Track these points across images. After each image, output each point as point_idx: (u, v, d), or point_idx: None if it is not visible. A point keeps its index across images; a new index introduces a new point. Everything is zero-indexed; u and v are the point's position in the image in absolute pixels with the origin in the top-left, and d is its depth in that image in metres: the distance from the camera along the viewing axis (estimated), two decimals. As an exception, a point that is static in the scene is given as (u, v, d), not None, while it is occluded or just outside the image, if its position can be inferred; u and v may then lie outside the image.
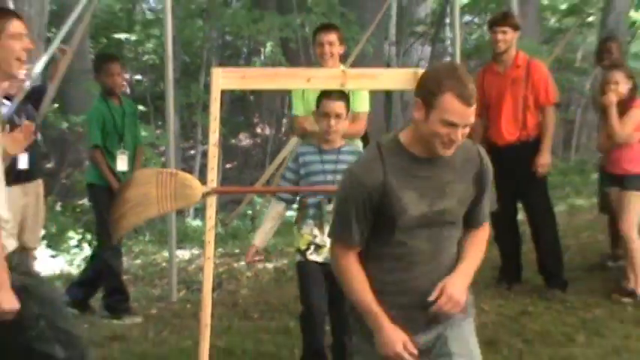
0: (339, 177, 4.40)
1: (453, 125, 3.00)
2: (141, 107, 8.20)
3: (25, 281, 3.48)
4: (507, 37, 6.69)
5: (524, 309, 6.44)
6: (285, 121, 19.96)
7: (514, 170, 6.60)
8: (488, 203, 3.35)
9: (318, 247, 4.84)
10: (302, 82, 4.83)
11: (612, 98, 6.44)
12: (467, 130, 3.06)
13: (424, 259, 3.16)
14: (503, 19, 6.80)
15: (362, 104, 5.76)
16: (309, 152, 4.94)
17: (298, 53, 14.84)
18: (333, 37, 5.96)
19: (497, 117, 6.79)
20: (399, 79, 4.83)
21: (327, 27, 6.18)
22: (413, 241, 3.14)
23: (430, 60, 19.70)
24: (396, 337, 3.10)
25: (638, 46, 24.72)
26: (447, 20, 18.42)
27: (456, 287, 3.12)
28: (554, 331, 5.94)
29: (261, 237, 4.97)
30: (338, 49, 5.98)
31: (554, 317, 6.26)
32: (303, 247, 4.89)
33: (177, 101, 13.81)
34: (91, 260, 7.09)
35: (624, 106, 6.47)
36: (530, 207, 6.99)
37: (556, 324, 6.10)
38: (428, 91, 3.02)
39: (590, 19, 17.51)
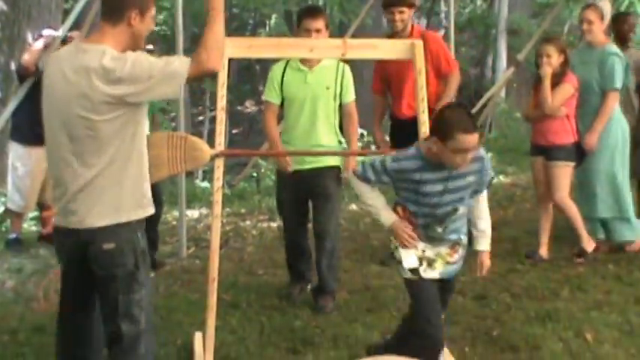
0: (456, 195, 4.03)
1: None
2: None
3: (145, 246, 3.64)
4: (404, 16, 6.27)
5: (511, 267, 6.44)
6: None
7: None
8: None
9: (432, 262, 4.14)
10: (305, 52, 4.81)
11: (547, 70, 6.30)
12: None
13: None
14: (398, 0, 6.27)
15: (351, 93, 5.61)
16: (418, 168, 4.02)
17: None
18: (320, 23, 5.45)
19: (399, 94, 6.46)
20: (398, 49, 4.82)
21: (313, 12, 5.57)
22: None
23: (425, 32, 19.62)
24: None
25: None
26: (442, -6, 18.33)
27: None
28: (539, 286, 5.96)
29: (387, 213, 4.17)
30: (324, 36, 5.49)
31: (540, 274, 6.27)
32: (413, 266, 4.11)
33: (187, 70, 13.76)
34: None
35: (556, 80, 6.33)
36: None
37: (542, 280, 6.11)
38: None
39: (577, -6, 17.38)
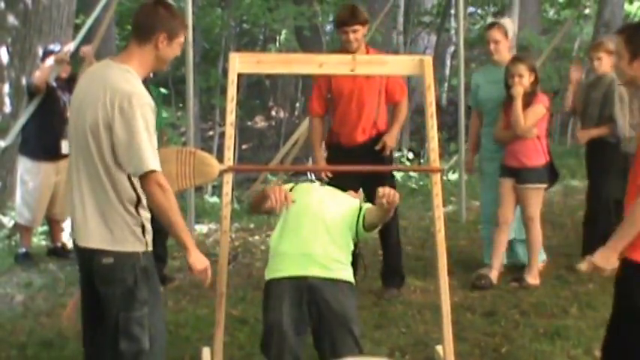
0: None
1: None
2: (163, 90, 8.28)
3: (149, 265, 3.63)
4: (358, 35, 5.87)
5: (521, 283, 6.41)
6: (298, 104, 19.96)
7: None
8: None
9: None
10: (314, 67, 4.78)
11: (519, 90, 6.16)
12: None
13: None
14: (351, 18, 5.87)
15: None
16: None
17: (311, 40, 14.81)
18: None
19: (355, 119, 6.02)
20: (406, 65, 4.81)
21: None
22: None
23: (435, 48, 19.65)
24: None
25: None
26: (452, 11, 18.37)
27: None
28: (548, 303, 5.93)
29: None
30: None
31: (549, 291, 6.24)
32: None
33: (197, 85, 13.82)
34: None
35: (527, 99, 6.20)
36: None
37: (551, 297, 6.09)
38: None
39: (587, 11, 17.43)
